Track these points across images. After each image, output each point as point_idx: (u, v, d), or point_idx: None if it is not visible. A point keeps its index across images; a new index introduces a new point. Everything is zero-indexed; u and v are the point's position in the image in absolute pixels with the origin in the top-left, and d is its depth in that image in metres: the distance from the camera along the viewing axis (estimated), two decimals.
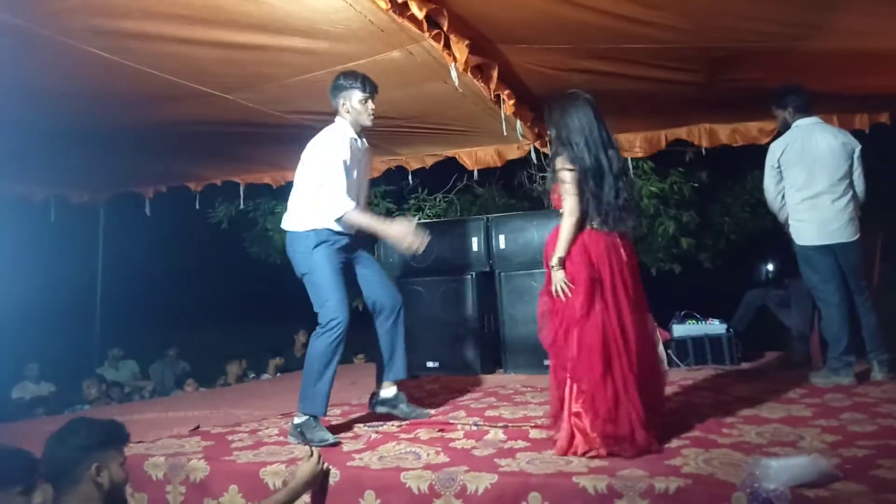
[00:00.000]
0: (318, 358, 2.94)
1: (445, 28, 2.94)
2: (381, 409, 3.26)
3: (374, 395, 3.32)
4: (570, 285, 2.50)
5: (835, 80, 3.85)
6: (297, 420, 2.94)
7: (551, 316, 2.59)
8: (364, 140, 3.19)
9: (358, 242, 3.23)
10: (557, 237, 2.58)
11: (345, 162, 2.97)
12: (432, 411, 3.37)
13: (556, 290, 2.52)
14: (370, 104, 3.05)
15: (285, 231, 3.14)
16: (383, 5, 2.64)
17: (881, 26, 3.08)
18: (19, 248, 6.51)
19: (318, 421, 2.93)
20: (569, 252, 2.54)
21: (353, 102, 3.03)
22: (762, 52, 3.47)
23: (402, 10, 2.71)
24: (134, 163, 5.46)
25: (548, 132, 2.79)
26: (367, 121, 3.08)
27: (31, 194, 6.00)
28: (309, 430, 2.87)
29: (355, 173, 3.08)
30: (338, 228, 3.05)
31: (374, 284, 3.24)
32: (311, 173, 3.04)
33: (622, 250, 2.59)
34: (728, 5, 2.93)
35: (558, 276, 2.52)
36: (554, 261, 2.54)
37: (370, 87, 3.03)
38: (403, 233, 2.95)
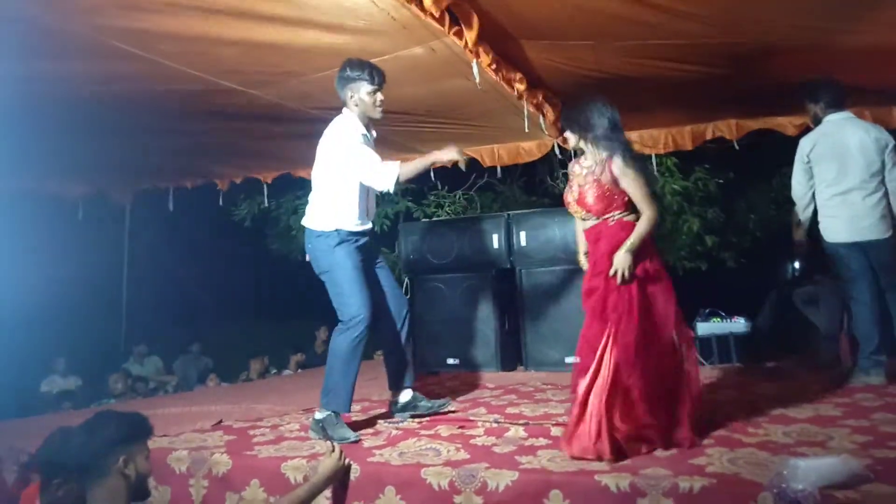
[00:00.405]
0: (341, 355, 2.95)
1: (467, 25, 2.92)
2: (404, 415, 3.24)
3: (394, 402, 3.31)
4: (641, 277, 2.51)
5: (871, 74, 3.71)
6: (318, 415, 2.95)
7: (615, 305, 2.51)
8: (373, 132, 3.15)
9: (373, 244, 3.24)
10: (623, 234, 2.54)
11: (362, 140, 2.93)
12: (449, 399, 3.37)
13: (621, 273, 2.46)
14: (378, 96, 2.97)
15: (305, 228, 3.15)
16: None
17: None
18: (48, 245, 6.65)
19: (340, 417, 2.94)
20: (655, 251, 2.59)
21: (362, 94, 2.95)
22: (794, 47, 3.39)
23: (421, 5, 2.70)
24: (160, 159, 5.53)
25: (576, 133, 2.70)
26: (375, 113, 3.01)
27: (59, 192, 6.12)
28: (330, 426, 2.88)
29: None
30: (356, 229, 3.05)
31: (387, 291, 3.22)
32: (327, 171, 3.03)
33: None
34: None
35: (628, 260, 2.46)
36: (630, 246, 2.48)
37: (378, 78, 2.94)
38: (448, 150, 2.96)
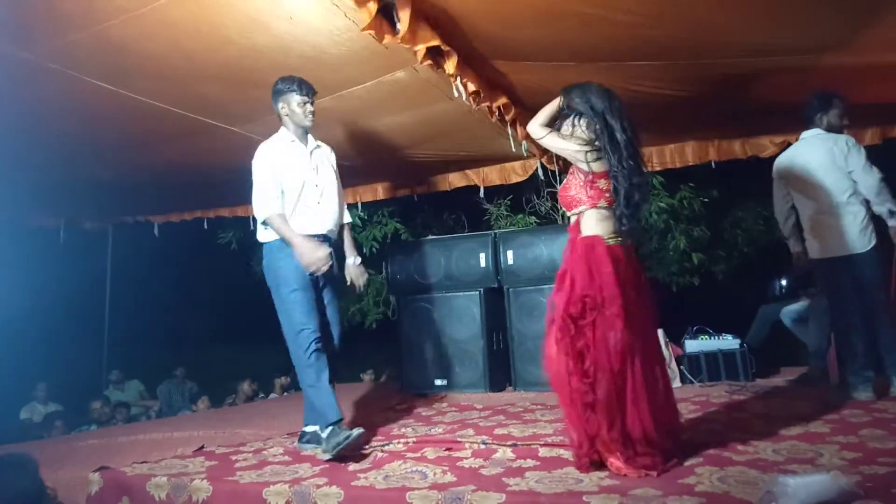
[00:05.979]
0: (302, 368, 2.97)
1: (446, 54, 2.92)
2: (307, 447, 3.09)
3: (303, 432, 3.19)
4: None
5: (848, 91, 3.71)
6: (308, 428, 2.97)
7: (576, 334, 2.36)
8: (320, 144, 3.21)
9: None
10: (577, 253, 2.41)
11: (272, 166, 3.00)
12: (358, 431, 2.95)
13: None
14: (308, 107, 3.07)
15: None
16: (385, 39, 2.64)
17: None
18: (29, 269, 6.55)
19: (340, 426, 2.88)
20: (601, 267, 2.36)
21: (293, 105, 3.06)
22: (773, 69, 3.43)
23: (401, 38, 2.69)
24: (142, 193, 5.51)
25: (565, 108, 2.57)
26: (306, 122, 3.09)
27: (42, 219, 6.07)
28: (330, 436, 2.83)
29: (304, 176, 3.06)
30: (308, 234, 3.01)
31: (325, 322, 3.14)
32: None
33: (636, 263, 2.50)
34: (733, 24, 2.92)
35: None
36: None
37: (306, 90, 3.05)
38: (305, 253, 2.93)
